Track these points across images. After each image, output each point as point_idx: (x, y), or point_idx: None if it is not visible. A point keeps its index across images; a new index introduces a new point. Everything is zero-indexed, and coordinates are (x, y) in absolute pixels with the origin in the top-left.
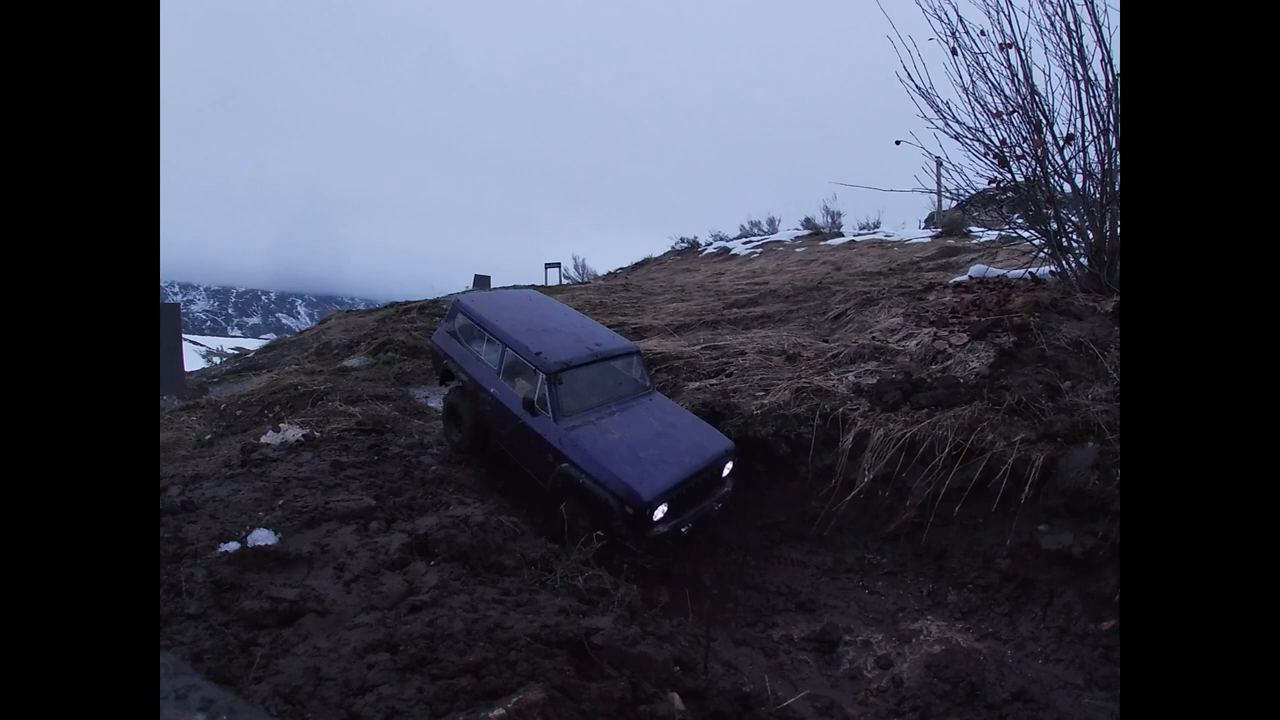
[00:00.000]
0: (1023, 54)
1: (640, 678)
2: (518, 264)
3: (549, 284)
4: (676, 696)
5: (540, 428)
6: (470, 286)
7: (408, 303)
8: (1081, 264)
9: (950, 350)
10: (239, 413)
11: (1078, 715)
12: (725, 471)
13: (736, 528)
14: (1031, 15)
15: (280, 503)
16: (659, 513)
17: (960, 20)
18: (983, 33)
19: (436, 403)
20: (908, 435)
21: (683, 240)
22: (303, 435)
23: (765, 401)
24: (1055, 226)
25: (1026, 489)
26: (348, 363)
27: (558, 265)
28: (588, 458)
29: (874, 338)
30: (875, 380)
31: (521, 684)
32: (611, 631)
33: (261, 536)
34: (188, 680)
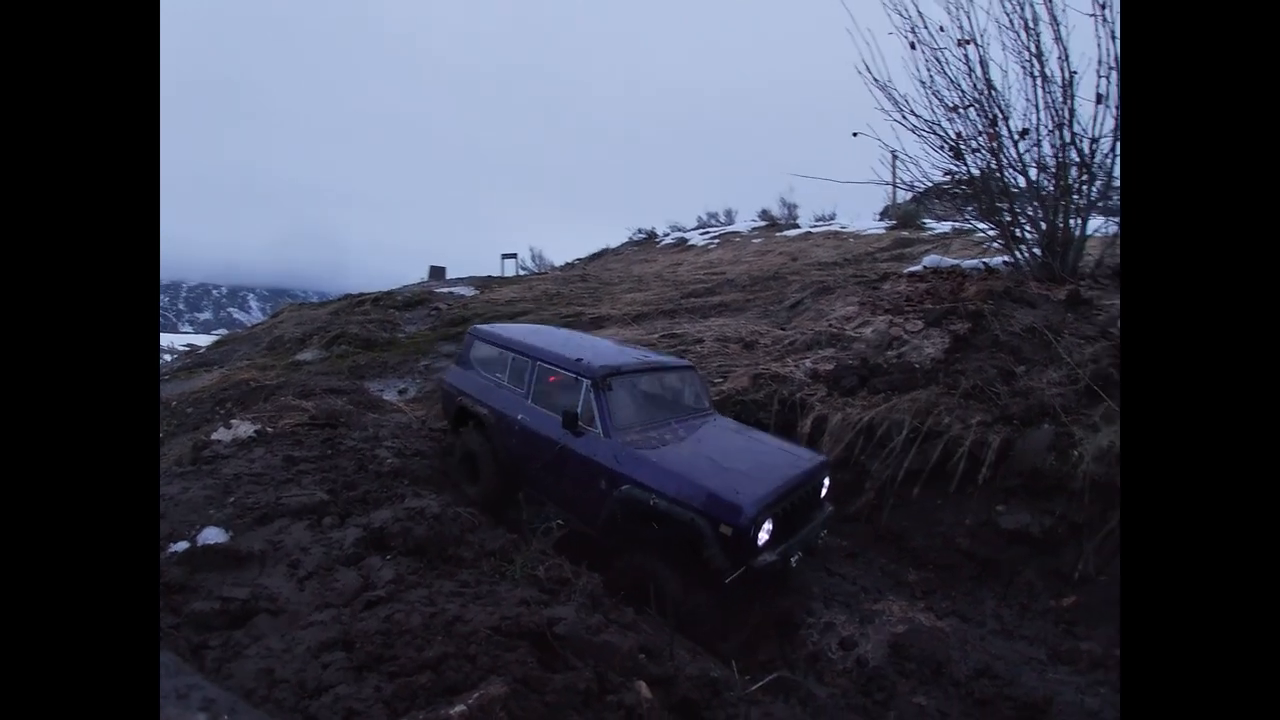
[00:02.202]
0: (981, 50)
1: (605, 667)
2: (473, 255)
3: (505, 275)
4: (643, 685)
5: (587, 448)
6: (425, 278)
7: (361, 295)
8: (1035, 254)
9: (906, 337)
10: (189, 410)
11: (1043, 690)
12: (824, 490)
13: None
14: (990, 13)
15: (231, 500)
16: (764, 533)
17: (920, 15)
18: (942, 29)
19: (392, 395)
20: (865, 419)
21: (640, 231)
22: (254, 431)
23: (724, 388)
24: (1009, 218)
25: (984, 470)
26: (300, 356)
27: (514, 256)
28: (659, 472)
29: (830, 325)
30: (832, 366)
31: (483, 679)
32: (574, 621)
33: (212, 535)
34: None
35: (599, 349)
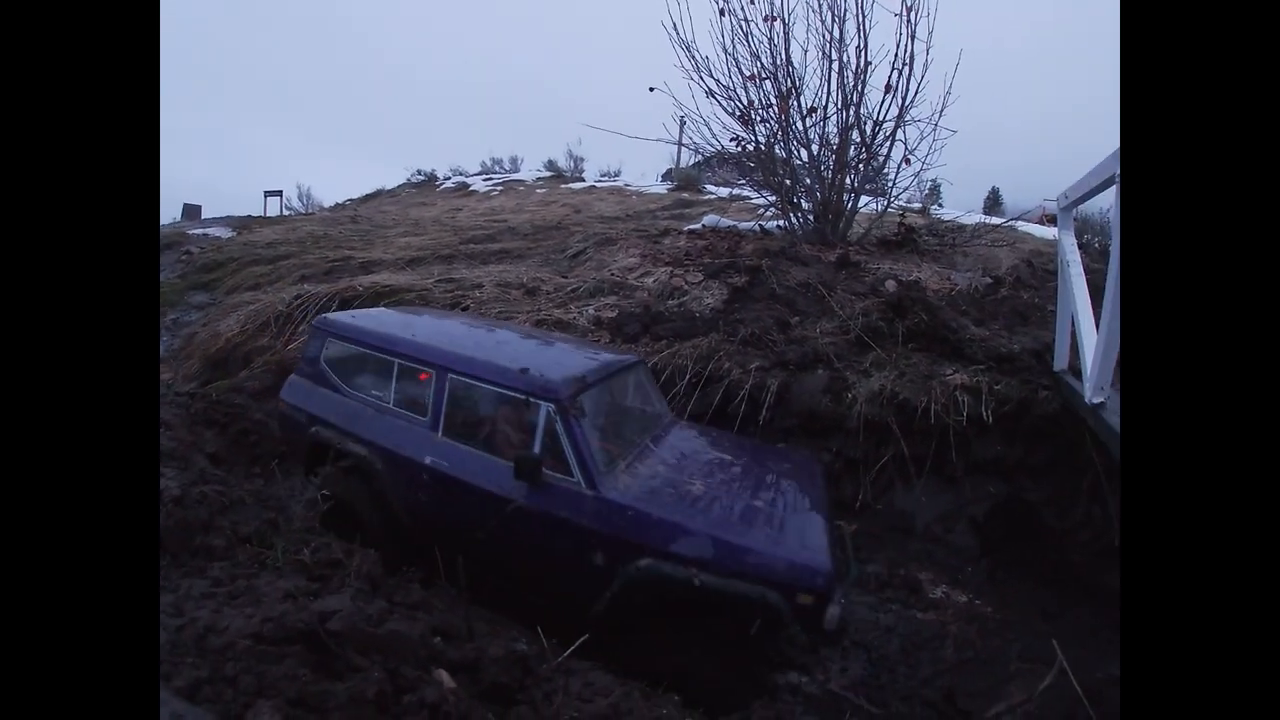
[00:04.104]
0: (787, 27)
1: (397, 661)
2: (231, 192)
3: (267, 215)
4: (444, 674)
5: (561, 507)
6: (179, 218)
7: None
8: (809, 220)
9: (686, 287)
10: None
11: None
12: None
13: None
14: None
15: None
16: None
17: None
18: (752, 1)
19: None
20: (650, 364)
21: (419, 173)
22: None
23: None
24: (789, 184)
25: (764, 411)
26: None
27: (279, 194)
28: (695, 535)
29: (612, 275)
30: (615, 314)
31: (248, 705)
32: (351, 612)
33: None
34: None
35: (534, 352)
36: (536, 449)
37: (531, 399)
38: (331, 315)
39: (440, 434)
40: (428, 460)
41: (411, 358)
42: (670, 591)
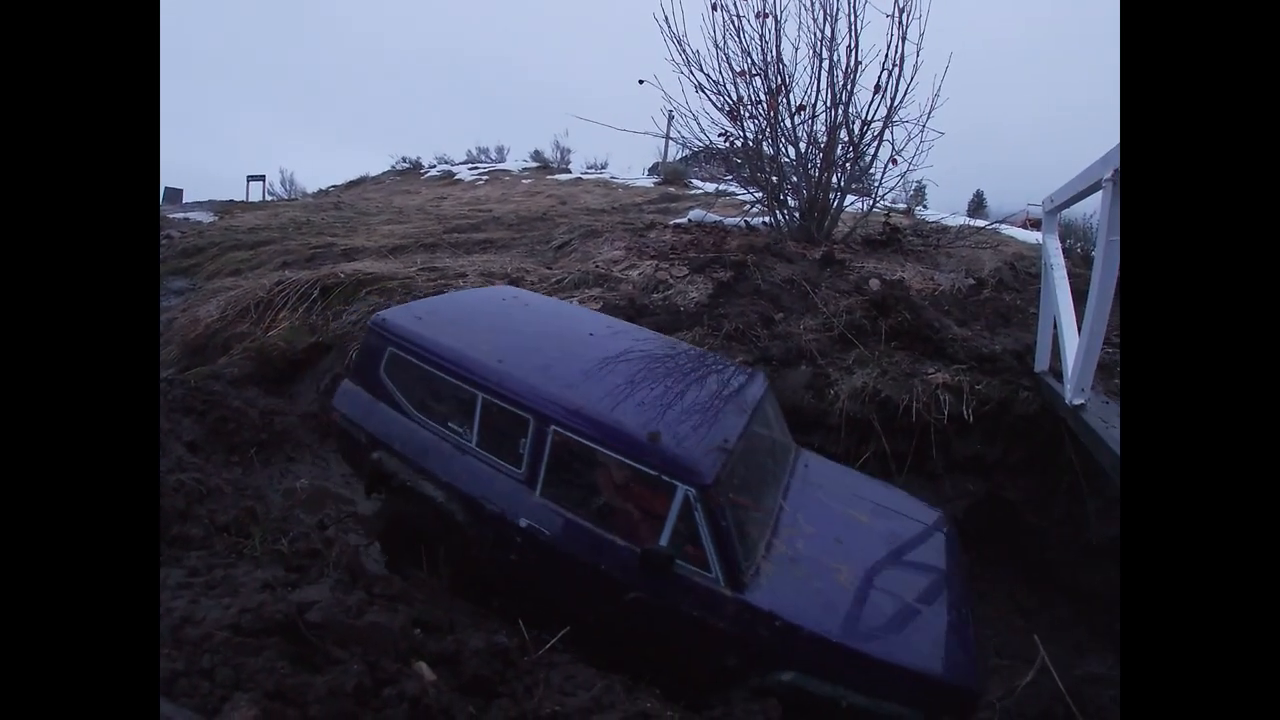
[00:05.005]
0: (778, 24)
1: (376, 654)
2: (213, 176)
3: (250, 200)
4: (424, 666)
5: (690, 604)
6: (160, 202)
7: None
8: (795, 217)
9: (671, 281)
10: None
11: None
12: None
13: None
14: None
15: None
16: None
17: None
18: None
19: None
20: None
21: (404, 160)
22: None
23: None
24: (776, 181)
25: None
26: None
27: (262, 179)
28: (852, 654)
29: (597, 267)
30: (600, 305)
31: (225, 699)
32: (330, 603)
33: None
34: None
35: (656, 389)
36: (667, 538)
37: (664, 477)
38: (392, 316)
39: (539, 493)
40: (523, 523)
41: (502, 395)
42: (814, 707)
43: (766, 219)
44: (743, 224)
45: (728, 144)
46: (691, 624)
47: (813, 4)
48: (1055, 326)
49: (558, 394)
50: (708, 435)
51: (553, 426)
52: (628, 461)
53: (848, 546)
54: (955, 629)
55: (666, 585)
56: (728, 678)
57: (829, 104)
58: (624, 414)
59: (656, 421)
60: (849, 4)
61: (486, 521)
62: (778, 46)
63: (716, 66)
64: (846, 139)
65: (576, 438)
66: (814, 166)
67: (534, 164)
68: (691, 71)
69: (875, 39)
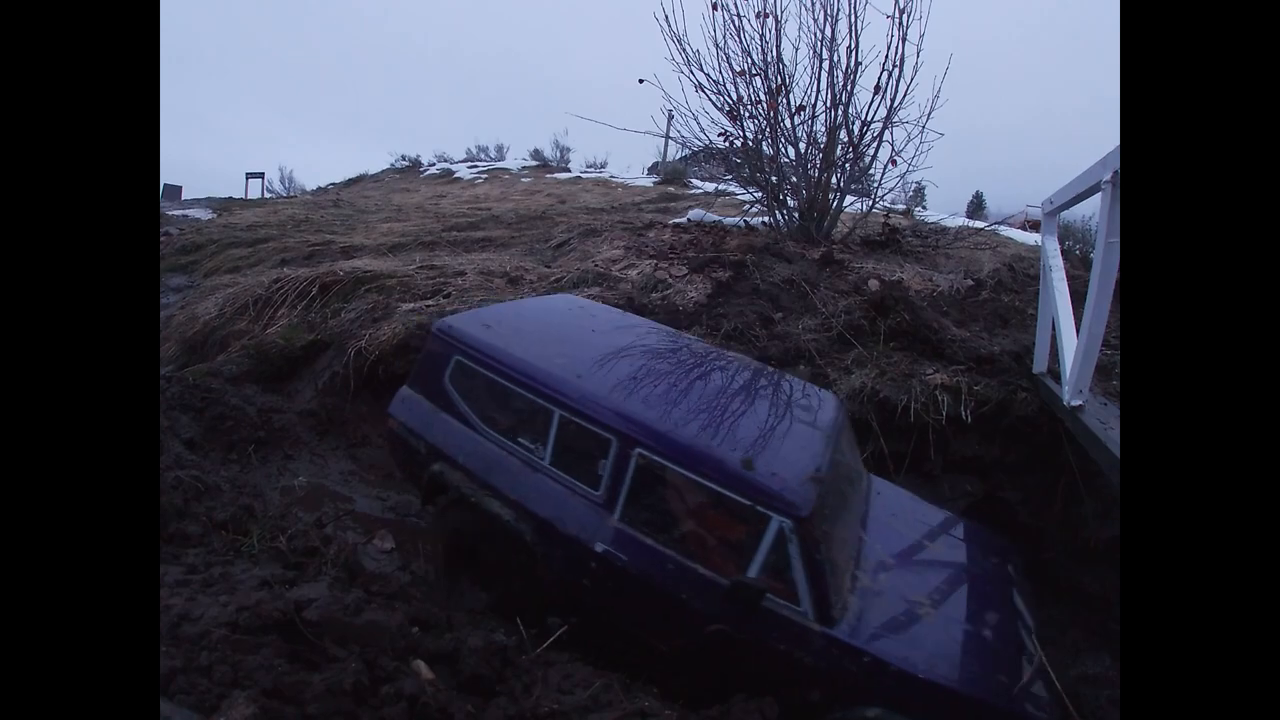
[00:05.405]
0: (779, 24)
1: (374, 652)
2: (212, 172)
3: (248, 197)
4: (422, 665)
5: (780, 639)
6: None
7: None
8: (794, 217)
9: (670, 280)
10: None
11: None
12: None
13: None
14: None
15: None
16: None
17: None
18: None
19: None
20: None
21: (404, 158)
22: None
23: None
24: (775, 181)
25: None
26: None
27: (261, 176)
28: (940, 691)
29: (596, 266)
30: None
31: (223, 696)
32: (328, 600)
33: None
34: None
35: (739, 404)
36: (757, 570)
37: (758, 507)
38: (459, 324)
39: (617, 518)
40: (599, 548)
41: (582, 414)
42: None
43: (766, 219)
44: (742, 224)
45: (727, 144)
46: (776, 658)
47: (813, 4)
48: (1054, 328)
49: (644, 415)
50: (798, 463)
51: (638, 449)
52: (719, 490)
53: (926, 579)
54: (1039, 669)
55: (752, 618)
56: (810, 712)
57: (829, 104)
58: (715, 439)
59: (746, 448)
60: (850, 4)
61: (557, 543)
62: (778, 46)
63: (716, 66)
64: (846, 139)
65: (664, 462)
66: (813, 167)
67: (533, 163)
68: (691, 71)
69: (875, 39)
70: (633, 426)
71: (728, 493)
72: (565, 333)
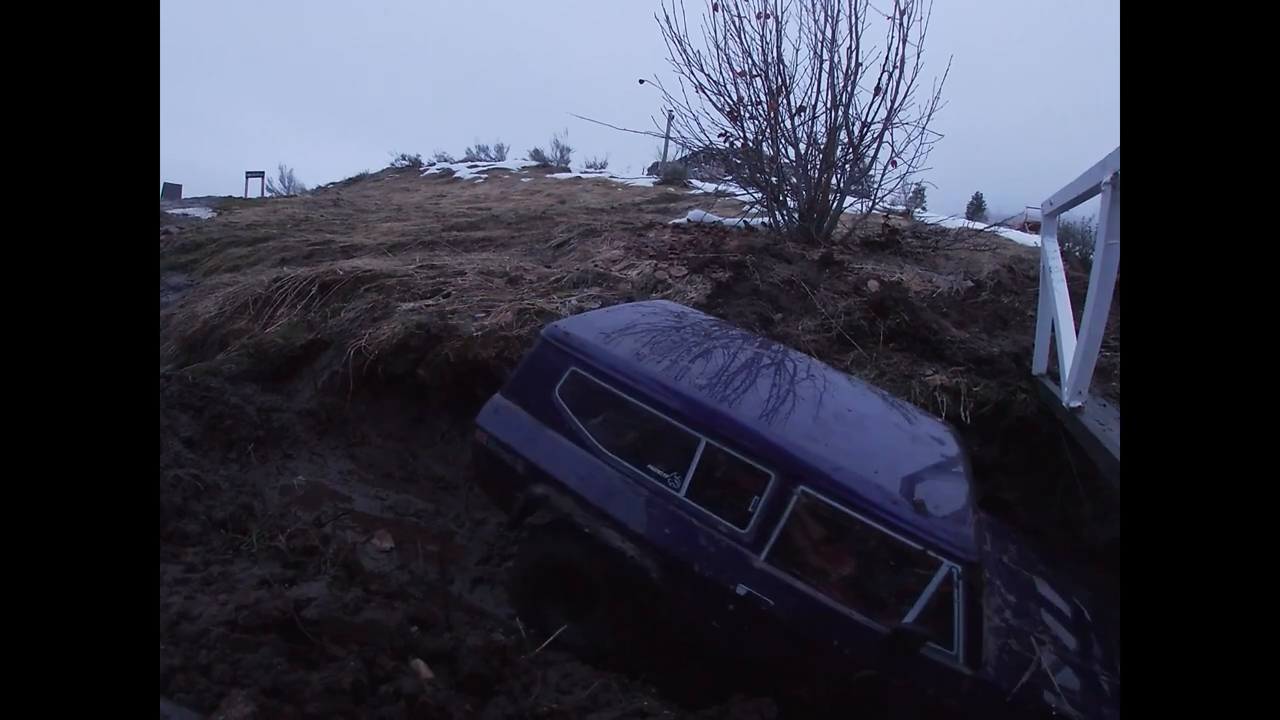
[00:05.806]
0: (779, 25)
1: (374, 651)
2: (212, 171)
3: (248, 196)
4: (421, 664)
5: (929, 684)
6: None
7: None
8: (794, 218)
9: (670, 281)
10: None
11: None
12: None
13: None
14: None
15: None
16: None
17: None
18: None
19: None
20: None
21: (404, 158)
22: None
23: (486, 323)
24: (775, 181)
25: None
26: None
27: (261, 175)
28: None
29: (596, 266)
30: (598, 304)
31: (221, 695)
32: (327, 600)
33: None
34: None
35: (887, 440)
36: (916, 614)
37: (928, 551)
38: (576, 330)
39: (764, 558)
40: (741, 590)
41: (739, 446)
42: None
43: (766, 219)
44: (742, 224)
45: (727, 144)
46: (923, 702)
47: (814, 5)
48: (1053, 329)
49: (807, 450)
50: (953, 504)
51: (801, 487)
52: (887, 532)
53: (1038, 614)
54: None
55: (905, 664)
56: None
57: (829, 105)
58: (884, 479)
59: (903, 486)
60: (850, 6)
61: (688, 583)
62: (778, 47)
63: (717, 67)
64: (846, 140)
65: (830, 501)
66: (813, 168)
67: (533, 163)
68: (692, 72)
69: (876, 41)
70: (795, 463)
71: (897, 536)
72: (688, 347)
